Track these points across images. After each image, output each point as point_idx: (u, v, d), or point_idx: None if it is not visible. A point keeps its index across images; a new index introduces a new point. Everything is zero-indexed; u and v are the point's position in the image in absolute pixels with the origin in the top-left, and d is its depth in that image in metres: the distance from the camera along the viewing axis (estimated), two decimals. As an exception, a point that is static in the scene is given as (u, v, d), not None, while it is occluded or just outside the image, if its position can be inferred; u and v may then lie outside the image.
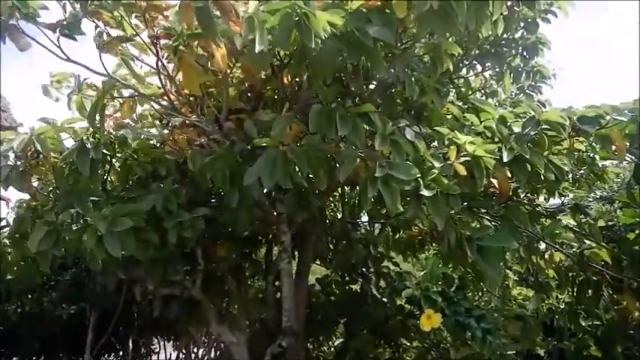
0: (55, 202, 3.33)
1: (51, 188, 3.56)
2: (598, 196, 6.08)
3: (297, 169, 2.77)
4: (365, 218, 5.19)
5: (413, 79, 3.21)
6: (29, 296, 5.43)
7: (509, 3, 3.86)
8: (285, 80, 3.46)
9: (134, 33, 2.89)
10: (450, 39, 3.32)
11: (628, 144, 3.15)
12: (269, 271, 4.50)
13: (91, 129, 3.26)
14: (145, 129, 3.60)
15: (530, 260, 4.07)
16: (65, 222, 3.04)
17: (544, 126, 2.96)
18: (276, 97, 3.75)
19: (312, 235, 4.32)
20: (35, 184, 3.47)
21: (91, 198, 3.11)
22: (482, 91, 4.99)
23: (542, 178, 3.09)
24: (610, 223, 4.46)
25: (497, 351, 2.92)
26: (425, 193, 2.60)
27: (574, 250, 4.09)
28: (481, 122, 3.25)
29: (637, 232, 3.94)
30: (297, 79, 3.42)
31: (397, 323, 4.83)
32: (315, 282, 5.36)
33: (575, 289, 4.40)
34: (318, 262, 5.16)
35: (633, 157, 3.34)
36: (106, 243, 2.81)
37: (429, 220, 2.89)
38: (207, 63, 2.84)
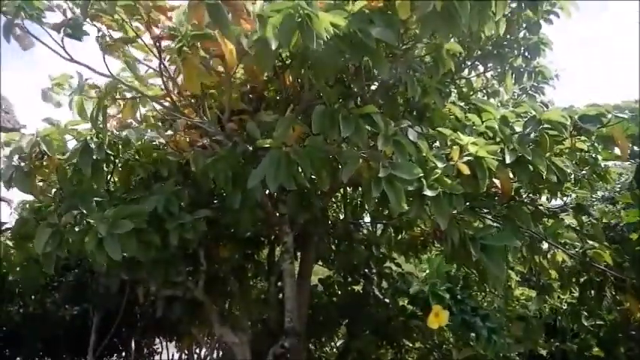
0: (58, 204, 3.33)
1: (54, 189, 3.57)
2: (600, 197, 6.08)
3: (301, 170, 2.77)
4: (367, 219, 5.19)
5: (415, 79, 3.22)
6: (32, 297, 5.45)
7: (513, 5, 3.87)
8: (287, 81, 3.47)
9: (136, 35, 2.89)
10: (452, 39, 3.32)
11: (630, 144, 3.15)
12: (271, 272, 4.50)
13: (94, 130, 3.27)
14: (148, 130, 3.60)
15: (533, 260, 4.07)
16: (68, 224, 3.05)
17: (545, 125, 2.96)
18: (278, 98, 3.76)
19: (314, 236, 4.32)
20: (39, 185, 3.48)
21: (95, 199, 3.12)
22: (484, 92, 4.99)
23: (545, 178, 3.09)
24: (613, 223, 4.45)
25: (501, 352, 2.92)
26: (428, 193, 2.60)
27: (576, 250, 4.08)
28: (483, 122, 3.25)
29: (640, 232, 3.94)
30: (299, 80, 3.42)
31: (399, 324, 4.83)
32: (317, 283, 5.36)
33: (578, 290, 4.40)
34: (320, 262, 5.16)
35: (636, 159, 3.35)
36: (106, 246, 2.81)
37: (432, 220, 2.89)
38: (210, 64, 2.85)
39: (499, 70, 4.62)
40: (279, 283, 4.21)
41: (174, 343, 6.02)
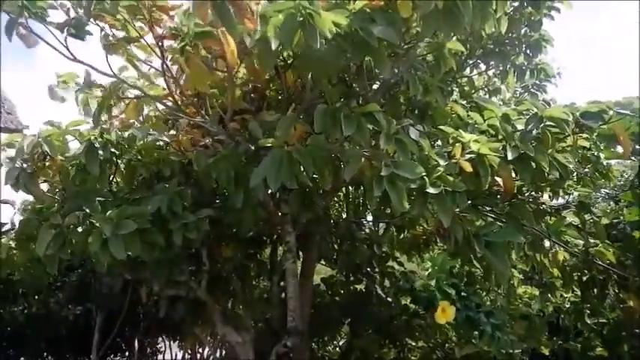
0: (61, 205, 3.34)
1: (57, 190, 3.58)
2: (603, 194, 6.07)
3: (303, 169, 2.77)
4: (369, 218, 5.20)
5: (417, 78, 3.22)
6: (36, 297, 5.47)
7: (515, 3, 3.87)
8: (289, 81, 3.47)
9: (138, 35, 2.90)
10: (454, 38, 3.33)
11: (632, 142, 3.15)
12: (274, 272, 4.51)
13: (98, 130, 3.27)
14: (151, 130, 3.61)
15: (535, 259, 4.07)
16: (71, 224, 3.06)
17: (547, 123, 2.96)
18: (280, 97, 3.76)
19: (316, 236, 4.32)
20: (42, 186, 3.49)
21: (98, 199, 3.13)
22: (486, 90, 4.99)
23: (547, 175, 3.09)
24: (615, 221, 4.45)
25: (504, 349, 2.92)
26: (431, 190, 2.60)
27: (579, 248, 4.08)
28: (485, 121, 3.25)
29: (642, 230, 3.93)
30: (301, 80, 3.43)
31: (402, 323, 4.83)
32: (319, 282, 5.37)
33: (580, 288, 4.39)
34: (322, 262, 5.16)
35: (638, 157, 3.34)
36: (110, 246, 2.82)
37: (435, 218, 2.89)
38: (213, 63, 2.86)
39: (501, 68, 4.62)
40: (282, 283, 4.22)
41: (177, 342, 6.04)
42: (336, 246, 5.10)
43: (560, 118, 2.91)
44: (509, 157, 2.85)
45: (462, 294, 3.08)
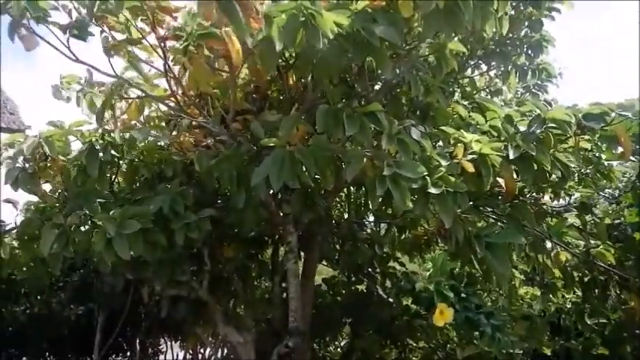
0: (63, 204, 3.35)
1: (59, 190, 3.59)
2: (605, 195, 6.06)
3: (305, 170, 2.77)
4: (371, 218, 5.20)
5: (418, 79, 3.22)
6: (38, 297, 5.48)
7: (514, 3, 3.87)
8: (291, 81, 3.48)
9: (140, 36, 2.91)
10: (455, 38, 3.33)
11: (633, 143, 3.15)
12: (275, 272, 4.51)
13: (99, 131, 3.29)
14: (153, 131, 3.62)
15: (537, 260, 4.07)
16: (74, 224, 3.07)
17: (550, 124, 2.96)
18: (282, 98, 3.77)
19: (318, 236, 4.32)
20: (44, 186, 3.50)
21: (99, 200, 3.14)
22: (488, 90, 4.99)
23: (548, 177, 3.09)
24: (616, 222, 4.45)
25: (505, 349, 2.92)
26: (432, 190, 2.61)
27: (580, 249, 4.08)
28: (487, 121, 3.25)
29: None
30: (303, 80, 3.43)
31: (403, 323, 4.83)
32: (321, 282, 5.37)
33: (581, 289, 4.39)
34: (324, 262, 5.16)
35: (638, 157, 3.35)
36: (115, 245, 2.84)
37: (436, 218, 2.90)
38: (215, 64, 2.86)
39: (502, 68, 4.63)
40: (283, 283, 4.23)
41: (178, 342, 6.04)
42: (337, 246, 5.11)
43: (563, 119, 2.91)
44: (511, 156, 2.85)
45: (462, 295, 3.08)
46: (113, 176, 3.66)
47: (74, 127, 3.38)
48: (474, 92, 4.63)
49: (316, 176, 3.18)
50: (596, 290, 4.25)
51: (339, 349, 5.79)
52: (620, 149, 3.15)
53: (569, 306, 4.89)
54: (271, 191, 3.38)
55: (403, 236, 4.94)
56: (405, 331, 4.90)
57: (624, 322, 4.45)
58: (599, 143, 3.35)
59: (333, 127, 2.67)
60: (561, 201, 4.07)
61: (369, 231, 5.28)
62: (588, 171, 3.74)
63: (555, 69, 4.87)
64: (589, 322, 4.60)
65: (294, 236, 3.67)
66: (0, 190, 3.35)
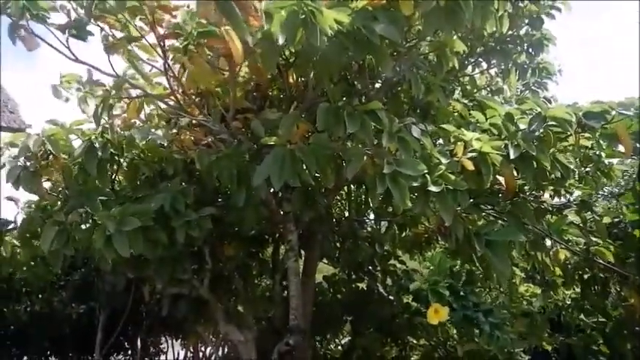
0: (64, 202, 3.36)
1: (60, 189, 3.59)
2: (605, 193, 6.06)
3: (305, 168, 2.78)
4: (371, 216, 5.21)
5: (419, 77, 3.23)
6: (39, 296, 5.49)
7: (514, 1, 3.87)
8: (291, 79, 3.48)
9: (140, 35, 2.91)
10: (455, 37, 3.33)
11: (633, 141, 3.15)
12: (276, 270, 4.52)
13: (99, 129, 3.29)
14: (153, 129, 3.62)
15: (537, 257, 4.08)
16: (75, 222, 3.08)
17: (550, 122, 2.97)
18: (282, 96, 3.77)
19: (318, 234, 4.33)
20: (45, 184, 3.51)
21: (100, 198, 3.14)
22: (488, 89, 5.00)
23: (548, 174, 3.09)
24: (616, 220, 4.45)
25: (505, 347, 2.93)
26: (433, 188, 2.61)
27: (580, 247, 4.08)
28: (487, 119, 3.26)
29: (643, 228, 3.93)
30: (303, 78, 3.44)
31: (404, 321, 4.84)
32: (322, 280, 5.38)
33: (581, 286, 4.40)
34: (324, 260, 5.17)
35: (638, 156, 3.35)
36: (114, 242, 2.84)
37: (437, 216, 2.90)
38: (216, 62, 2.86)
39: (502, 66, 4.63)
40: (284, 281, 4.24)
41: (179, 341, 6.05)
42: (338, 244, 5.12)
43: (563, 118, 2.92)
44: (512, 155, 2.85)
45: (461, 294, 3.08)
46: (114, 174, 3.67)
47: (75, 125, 3.39)
48: (475, 90, 4.63)
49: (317, 174, 3.18)
50: (596, 288, 4.26)
51: (339, 347, 5.80)
52: (620, 147, 3.16)
53: (569, 302, 4.90)
54: (272, 189, 3.38)
55: (404, 234, 4.96)
56: (406, 329, 4.92)
57: (624, 319, 4.46)
58: (599, 141, 3.36)
59: (333, 125, 2.67)
60: (562, 198, 4.07)
61: (369, 229, 5.30)
62: (589, 169, 3.74)
63: (555, 66, 4.87)
64: (586, 320, 4.61)
65: (295, 234, 3.68)
66: (0, 188, 3.36)
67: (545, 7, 4.25)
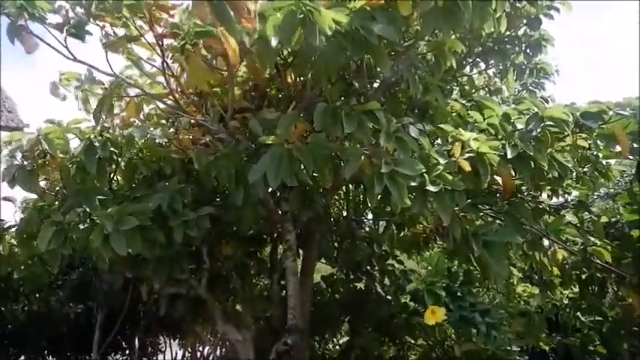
0: (62, 202, 3.35)
1: (58, 188, 3.59)
2: (602, 194, 6.07)
3: (303, 167, 2.78)
4: (369, 216, 5.21)
5: (416, 77, 3.23)
6: (36, 295, 5.47)
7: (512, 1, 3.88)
8: (289, 79, 3.48)
9: (139, 34, 2.91)
10: (454, 37, 3.34)
11: (631, 141, 3.16)
12: (274, 270, 4.52)
13: (98, 128, 3.29)
14: (151, 128, 3.62)
15: (534, 257, 4.08)
16: (72, 221, 3.07)
17: (547, 122, 2.98)
18: (280, 96, 3.77)
19: (316, 234, 4.33)
20: (42, 183, 3.50)
21: (98, 197, 3.14)
22: (486, 89, 5.00)
23: (546, 175, 3.10)
24: (613, 220, 4.46)
25: (502, 346, 2.94)
26: (430, 188, 2.62)
27: (578, 247, 4.10)
28: (485, 119, 3.26)
29: (641, 229, 3.95)
30: (301, 78, 3.44)
31: (402, 321, 4.84)
32: (320, 280, 5.38)
33: (578, 286, 4.41)
34: (322, 260, 5.17)
35: (636, 156, 3.36)
36: (112, 242, 2.84)
37: (434, 216, 2.91)
38: (213, 62, 2.86)
39: (500, 66, 4.64)
40: (282, 281, 4.23)
41: (177, 340, 6.05)
42: (336, 244, 5.11)
43: (561, 118, 2.93)
44: (509, 155, 2.87)
45: (457, 294, 3.09)
46: (112, 174, 3.66)
47: (73, 124, 3.38)
48: (473, 90, 4.64)
49: (314, 174, 3.19)
50: (594, 287, 4.27)
51: (337, 347, 5.80)
52: (617, 147, 3.17)
53: (566, 302, 4.91)
54: (270, 189, 3.38)
55: (402, 234, 4.96)
56: (404, 329, 4.91)
57: (622, 319, 4.47)
58: (597, 141, 3.37)
59: (331, 125, 2.67)
60: (559, 198, 4.08)
61: (367, 229, 5.30)
62: (586, 169, 3.75)
63: (553, 67, 4.88)
64: (584, 320, 4.62)
65: (293, 234, 3.68)
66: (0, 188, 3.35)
67: (543, 7, 4.26)
